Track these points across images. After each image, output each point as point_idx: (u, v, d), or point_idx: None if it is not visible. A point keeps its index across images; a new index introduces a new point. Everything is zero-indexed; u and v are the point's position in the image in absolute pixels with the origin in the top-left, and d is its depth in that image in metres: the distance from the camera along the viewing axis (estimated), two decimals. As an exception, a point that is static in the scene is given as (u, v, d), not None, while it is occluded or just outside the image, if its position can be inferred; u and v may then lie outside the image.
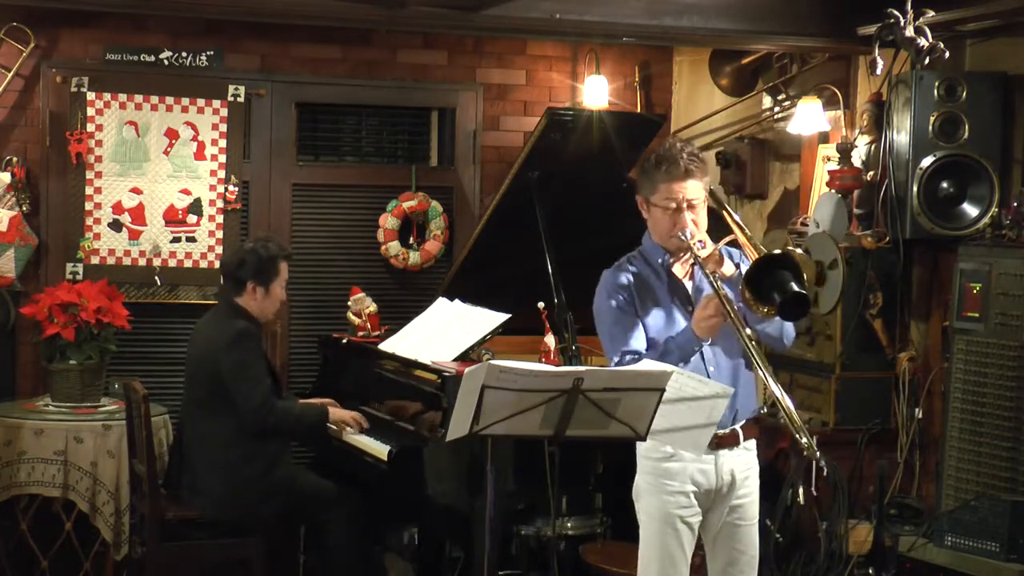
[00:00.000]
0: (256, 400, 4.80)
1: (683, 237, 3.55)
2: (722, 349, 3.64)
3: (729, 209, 3.74)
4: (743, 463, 3.68)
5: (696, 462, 3.61)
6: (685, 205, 3.56)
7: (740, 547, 3.70)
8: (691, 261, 3.58)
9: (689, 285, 3.64)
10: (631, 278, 3.65)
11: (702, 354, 3.59)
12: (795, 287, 3.36)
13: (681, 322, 3.61)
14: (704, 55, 6.36)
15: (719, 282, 3.50)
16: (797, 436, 3.31)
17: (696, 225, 3.58)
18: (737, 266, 3.60)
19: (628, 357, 3.56)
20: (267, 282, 4.97)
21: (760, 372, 3.42)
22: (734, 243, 3.63)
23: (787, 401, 3.36)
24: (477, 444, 4.30)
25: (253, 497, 4.83)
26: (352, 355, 5.60)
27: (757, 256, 3.46)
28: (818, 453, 3.34)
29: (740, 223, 3.64)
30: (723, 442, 3.62)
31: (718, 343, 3.61)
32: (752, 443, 3.70)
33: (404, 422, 4.95)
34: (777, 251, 3.46)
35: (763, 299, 3.40)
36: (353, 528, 5.00)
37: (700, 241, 3.55)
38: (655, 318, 3.63)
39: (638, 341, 3.60)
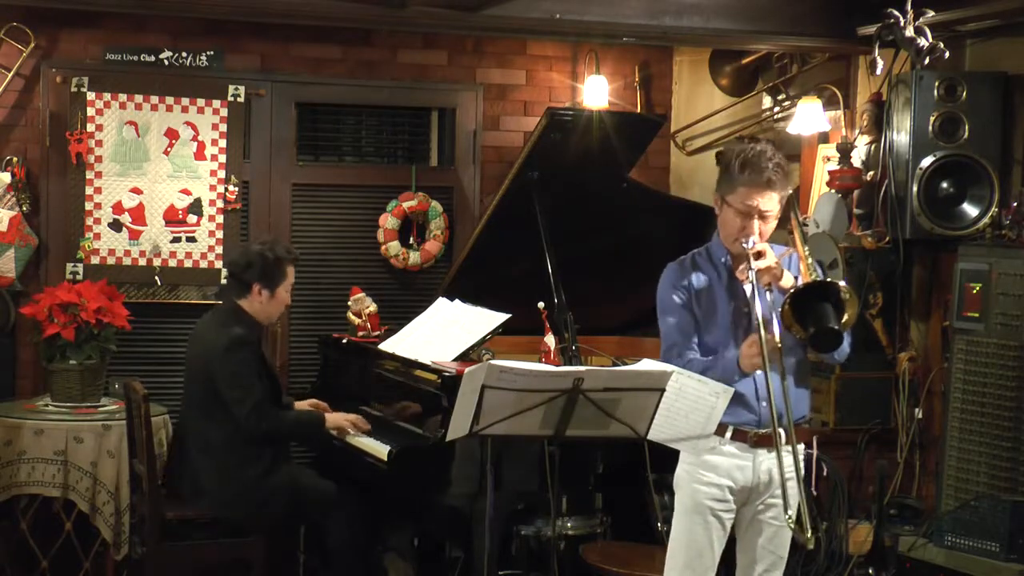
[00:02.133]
0: (247, 407, 4.77)
1: (745, 245, 3.54)
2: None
3: (800, 223, 3.75)
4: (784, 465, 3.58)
5: (735, 458, 3.61)
6: (756, 215, 3.56)
7: (771, 547, 3.70)
8: (748, 270, 3.57)
9: (748, 288, 3.58)
10: (693, 280, 3.66)
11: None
12: (830, 323, 3.37)
13: (730, 325, 3.61)
14: (704, 55, 6.36)
15: (772, 296, 3.48)
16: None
17: (762, 237, 3.58)
18: (796, 278, 3.59)
19: (679, 353, 3.59)
20: (273, 286, 4.95)
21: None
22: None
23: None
24: (477, 444, 4.31)
25: (253, 499, 4.82)
26: (352, 355, 5.60)
27: (807, 279, 3.47)
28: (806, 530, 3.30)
29: (805, 239, 3.65)
30: (760, 442, 3.60)
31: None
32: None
33: (404, 422, 4.95)
34: (828, 280, 3.47)
35: (800, 322, 3.40)
36: (353, 528, 4.99)
37: (760, 252, 3.52)
38: (709, 319, 3.64)
39: (692, 340, 3.63)
